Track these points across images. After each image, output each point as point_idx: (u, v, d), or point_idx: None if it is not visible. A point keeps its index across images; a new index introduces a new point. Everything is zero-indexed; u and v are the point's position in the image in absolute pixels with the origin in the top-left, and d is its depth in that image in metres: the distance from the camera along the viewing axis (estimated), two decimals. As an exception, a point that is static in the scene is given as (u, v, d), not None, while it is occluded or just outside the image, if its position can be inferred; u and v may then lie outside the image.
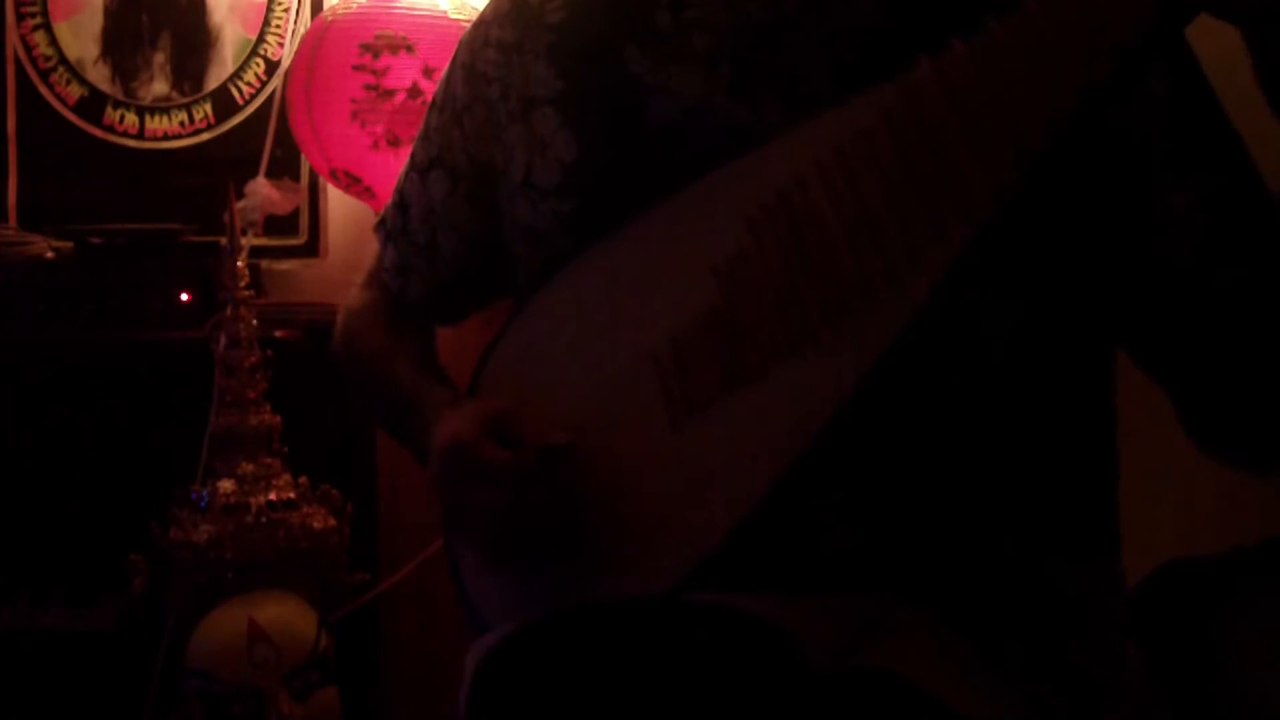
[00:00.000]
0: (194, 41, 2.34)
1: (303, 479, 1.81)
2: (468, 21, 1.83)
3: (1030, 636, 0.94)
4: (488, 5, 1.17)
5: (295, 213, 2.28)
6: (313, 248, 2.33)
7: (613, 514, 0.97)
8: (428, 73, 1.91)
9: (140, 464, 1.91)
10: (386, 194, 1.30)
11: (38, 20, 2.32)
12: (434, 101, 1.19)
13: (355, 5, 1.97)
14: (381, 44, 1.92)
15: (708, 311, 0.93)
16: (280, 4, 2.32)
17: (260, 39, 2.33)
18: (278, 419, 1.81)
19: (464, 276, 1.19)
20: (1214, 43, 0.93)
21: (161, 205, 2.24)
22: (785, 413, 0.89)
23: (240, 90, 2.34)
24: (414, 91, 1.91)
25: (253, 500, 1.75)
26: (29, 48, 2.32)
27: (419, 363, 1.18)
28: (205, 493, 1.76)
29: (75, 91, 2.33)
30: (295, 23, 2.31)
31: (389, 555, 2.07)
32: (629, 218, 0.99)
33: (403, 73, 1.92)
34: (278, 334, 1.91)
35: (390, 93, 1.92)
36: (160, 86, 2.34)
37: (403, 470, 2.08)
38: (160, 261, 2.04)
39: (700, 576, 0.90)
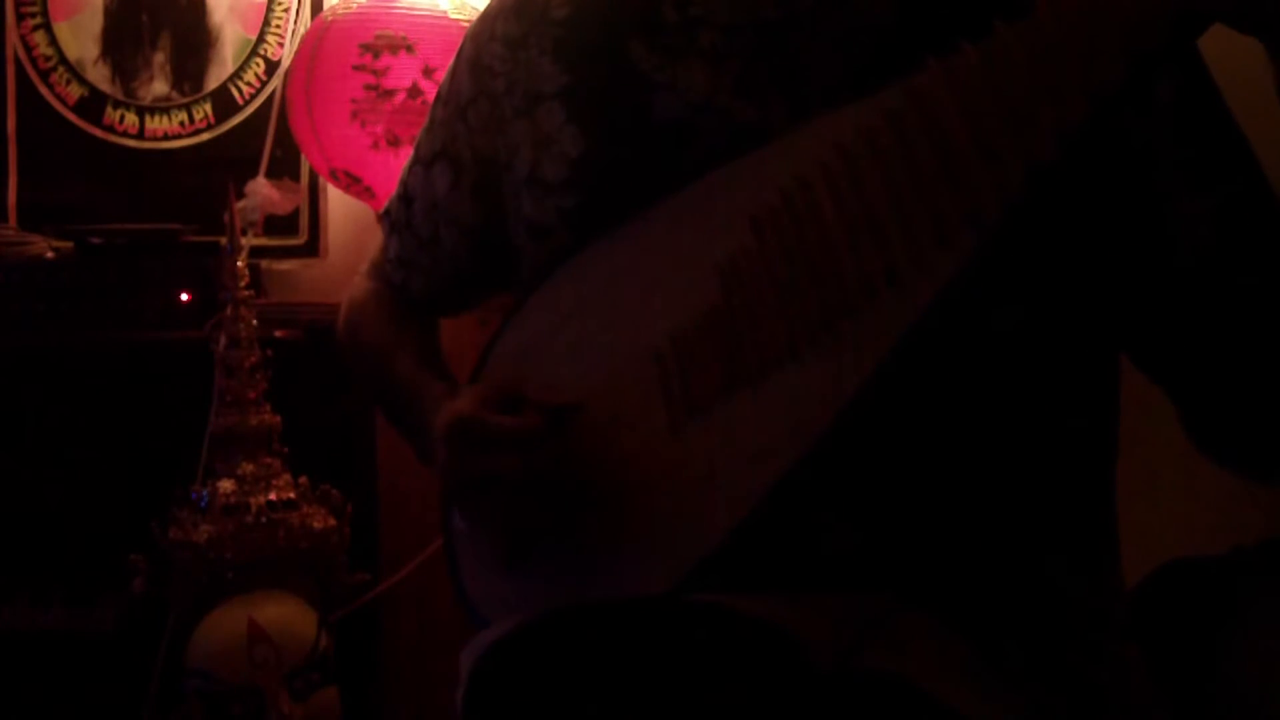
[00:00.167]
0: (194, 41, 2.34)
1: (303, 479, 1.81)
2: (468, 21, 1.84)
3: (1030, 637, 0.94)
4: None
5: (295, 213, 2.28)
6: (313, 248, 2.33)
7: (612, 513, 0.97)
8: (428, 73, 1.91)
9: (140, 464, 1.91)
10: (386, 194, 1.30)
11: (38, 20, 2.32)
12: (439, 94, 1.19)
13: (355, 5, 1.97)
14: (381, 44, 1.92)
15: (709, 311, 0.93)
16: (280, 4, 2.32)
17: (260, 39, 2.33)
18: (278, 419, 1.81)
19: (466, 271, 1.19)
20: (1222, 49, 0.92)
21: (161, 205, 2.25)
22: (785, 415, 0.88)
23: (240, 90, 2.34)
24: (414, 91, 1.91)
25: (253, 500, 1.75)
26: (29, 48, 2.32)
27: (420, 357, 1.18)
28: (205, 493, 1.76)
29: (75, 91, 2.33)
30: (295, 23, 2.31)
31: (389, 555, 2.07)
32: (632, 214, 0.99)
33: (403, 73, 1.92)
34: (278, 334, 1.91)
35: (390, 93, 1.92)
36: (160, 86, 2.34)
37: (403, 470, 2.08)
38: (160, 261, 2.04)
39: (700, 577, 0.89)
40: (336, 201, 2.31)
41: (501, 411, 0.96)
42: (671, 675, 0.82)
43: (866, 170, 0.87)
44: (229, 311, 1.81)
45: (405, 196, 1.22)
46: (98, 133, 2.33)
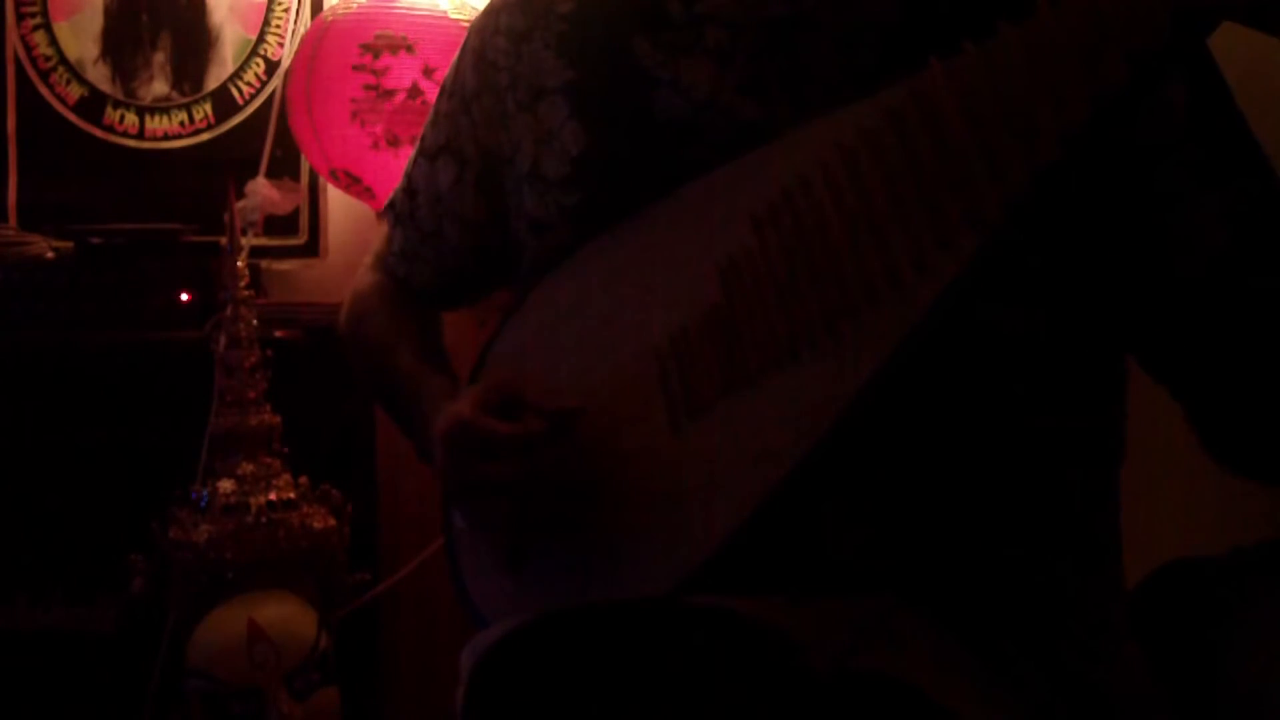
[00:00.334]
0: (194, 42, 2.34)
1: (303, 479, 1.81)
2: (468, 21, 1.84)
3: (1030, 638, 0.94)
4: None
5: (295, 213, 2.28)
6: (313, 248, 2.33)
7: (613, 514, 0.96)
8: (428, 73, 1.91)
9: (140, 464, 1.91)
10: (386, 194, 1.30)
11: (38, 20, 2.32)
12: (444, 86, 1.19)
13: (355, 5, 1.97)
14: (381, 44, 1.92)
15: (709, 310, 0.93)
16: (280, 4, 2.32)
17: (260, 39, 2.33)
18: (278, 419, 1.81)
19: (469, 265, 1.19)
20: (1234, 50, 0.92)
21: (161, 205, 2.24)
22: (787, 416, 0.88)
23: (240, 90, 2.34)
24: (414, 92, 1.91)
25: (253, 500, 1.75)
26: (29, 48, 2.32)
27: (422, 352, 1.17)
28: (205, 493, 1.76)
29: (75, 91, 2.33)
30: (295, 23, 2.31)
31: (389, 555, 2.07)
32: (633, 212, 0.99)
33: (403, 73, 1.92)
34: (278, 334, 1.91)
35: (390, 93, 1.92)
36: (160, 86, 2.34)
37: (403, 470, 2.08)
38: (160, 261, 2.04)
39: (699, 579, 0.89)
40: (336, 201, 2.31)
41: (501, 414, 0.96)
42: (670, 677, 0.82)
43: (867, 170, 0.87)
44: (229, 311, 1.81)
45: (409, 189, 1.21)
46: (98, 133, 2.33)
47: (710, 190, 0.95)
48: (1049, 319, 0.94)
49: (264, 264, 2.22)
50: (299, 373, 1.88)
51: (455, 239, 1.18)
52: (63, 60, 2.33)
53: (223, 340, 1.80)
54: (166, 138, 2.34)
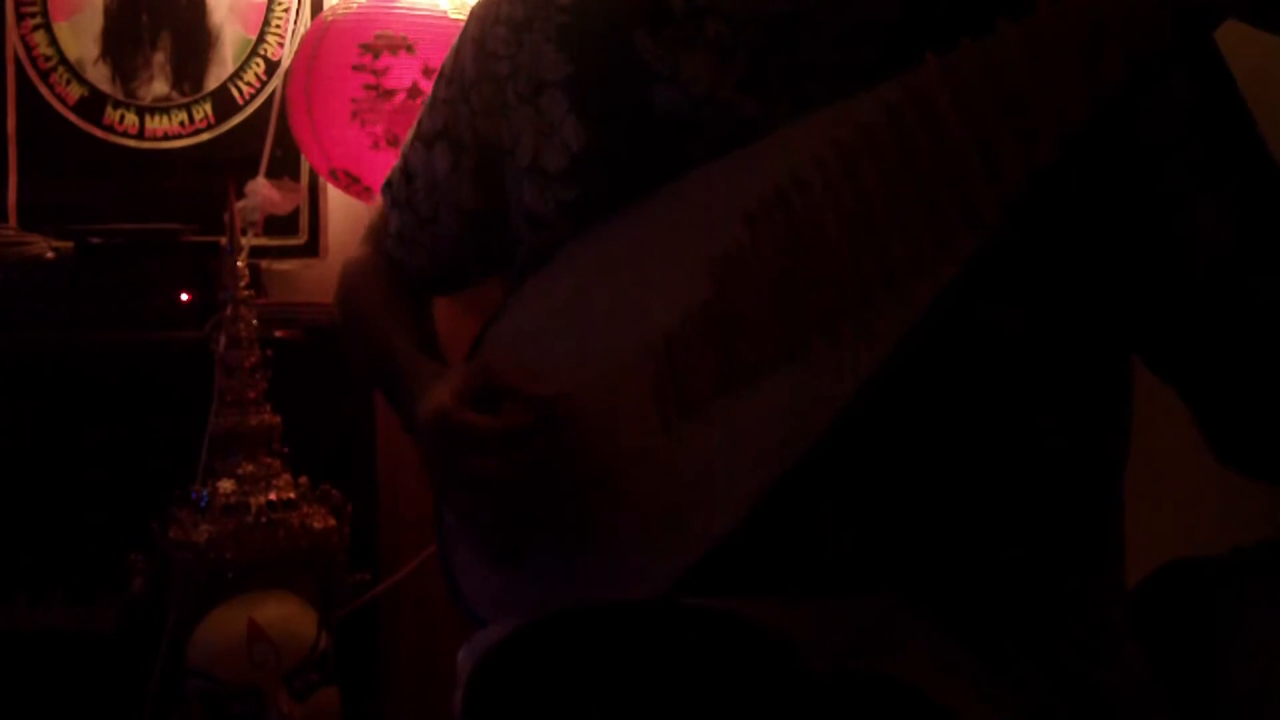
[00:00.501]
0: (194, 41, 2.33)
1: (303, 479, 1.80)
2: (468, 21, 1.84)
3: (1031, 639, 0.94)
4: None
5: (295, 213, 2.28)
6: (313, 248, 2.33)
7: (607, 512, 0.96)
8: (428, 73, 1.91)
9: (140, 464, 1.91)
10: (386, 194, 1.30)
11: (38, 20, 2.32)
12: (442, 70, 1.18)
13: (355, 5, 1.97)
14: (381, 44, 1.92)
15: (701, 307, 0.92)
16: (280, 4, 2.32)
17: (260, 39, 2.33)
18: (278, 419, 1.80)
19: (464, 252, 1.19)
20: (1234, 50, 0.92)
21: (161, 205, 2.24)
22: (783, 417, 0.88)
23: (240, 90, 2.33)
24: (414, 91, 1.91)
25: (253, 500, 1.75)
26: (29, 48, 2.32)
27: (412, 330, 1.17)
28: (205, 493, 1.76)
29: (75, 91, 2.33)
30: (295, 23, 2.31)
31: (389, 555, 2.07)
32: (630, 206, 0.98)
33: (403, 73, 1.92)
34: (278, 334, 1.91)
35: (390, 93, 1.92)
36: (160, 86, 2.34)
37: (403, 470, 2.08)
38: (160, 261, 2.04)
39: (697, 579, 0.89)
40: (336, 201, 2.31)
41: (483, 404, 0.95)
42: (669, 678, 0.82)
43: (863, 166, 0.86)
44: (229, 311, 1.80)
45: (407, 171, 1.21)
46: (98, 133, 2.33)
47: (705, 184, 0.95)
48: (1050, 319, 0.94)
49: (264, 264, 2.21)
50: (299, 373, 1.87)
51: (452, 226, 1.17)
52: (63, 60, 2.32)
53: (223, 340, 1.80)
54: (166, 138, 2.34)
